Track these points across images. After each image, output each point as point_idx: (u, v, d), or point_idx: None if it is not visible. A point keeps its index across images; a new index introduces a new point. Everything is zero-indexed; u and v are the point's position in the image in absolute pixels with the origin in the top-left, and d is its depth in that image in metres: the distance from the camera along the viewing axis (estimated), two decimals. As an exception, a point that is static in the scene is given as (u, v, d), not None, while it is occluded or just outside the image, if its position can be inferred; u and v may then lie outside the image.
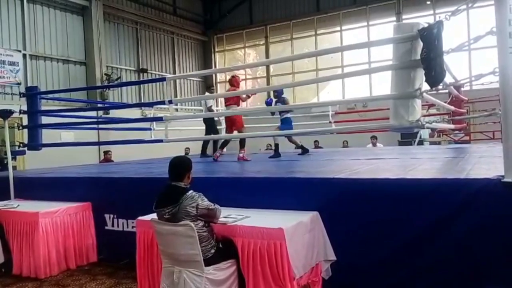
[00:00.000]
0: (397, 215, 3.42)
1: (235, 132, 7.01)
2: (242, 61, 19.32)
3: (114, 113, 12.07)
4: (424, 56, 3.60)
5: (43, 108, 7.45)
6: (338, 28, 17.00)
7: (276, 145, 7.50)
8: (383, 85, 11.87)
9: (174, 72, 17.38)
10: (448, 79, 5.53)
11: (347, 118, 12.07)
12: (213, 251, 3.19)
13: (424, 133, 12.18)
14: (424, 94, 3.91)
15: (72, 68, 13.59)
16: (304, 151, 7.78)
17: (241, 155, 7.08)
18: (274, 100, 7.29)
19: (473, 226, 3.16)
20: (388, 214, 3.46)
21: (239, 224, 3.35)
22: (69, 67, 13.50)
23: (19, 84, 11.71)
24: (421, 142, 12.36)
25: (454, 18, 3.67)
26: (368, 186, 3.67)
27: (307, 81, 9.20)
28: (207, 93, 9.81)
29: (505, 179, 3.06)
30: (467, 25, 13.94)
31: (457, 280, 3.20)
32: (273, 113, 7.75)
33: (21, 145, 7.23)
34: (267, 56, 18.35)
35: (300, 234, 3.33)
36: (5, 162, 7.06)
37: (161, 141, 5.93)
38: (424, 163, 5.09)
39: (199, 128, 13.36)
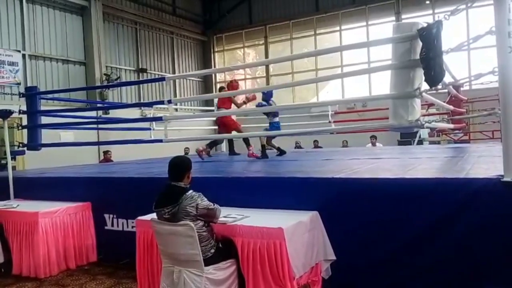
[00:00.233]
0: (397, 215, 3.43)
1: (233, 133, 7.07)
2: (242, 61, 19.32)
3: (114, 113, 12.07)
4: (423, 55, 3.60)
5: (42, 108, 7.44)
6: (338, 28, 17.00)
7: (263, 146, 7.51)
8: (382, 84, 11.89)
9: (174, 72, 17.37)
10: (447, 78, 5.54)
11: (346, 118, 12.06)
12: (213, 251, 3.19)
13: (424, 133, 12.19)
14: (424, 93, 3.91)
15: (72, 68, 13.58)
16: (281, 152, 7.82)
17: (250, 152, 7.17)
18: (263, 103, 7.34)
19: (472, 225, 3.16)
20: (387, 214, 3.46)
21: (239, 223, 3.35)
22: (69, 67, 13.49)
23: (18, 84, 11.71)
24: (420, 142, 12.37)
25: (453, 18, 3.67)
26: (367, 186, 3.67)
27: (306, 81, 9.21)
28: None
29: (505, 179, 3.06)
30: (466, 25, 13.95)
31: (457, 280, 3.21)
32: (267, 116, 7.76)
33: (21, 145, 7.22)
34: (267, 56, 18.35)
35: (299, 234, 3.34)
36: (5, 162, 7.05)
37: (160, 141, 5.92)
38: (424, 163, 5.09)
39: (199, 128, 13.43)
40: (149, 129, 9.39)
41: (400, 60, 3.93)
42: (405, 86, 3.87)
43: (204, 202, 3.18)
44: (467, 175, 3.59)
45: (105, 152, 11.73)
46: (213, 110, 16.21)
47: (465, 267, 3.19)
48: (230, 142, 9.21)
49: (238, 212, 3.65)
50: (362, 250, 3.54)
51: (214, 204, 3.26)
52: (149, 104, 13.09)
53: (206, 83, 19.37)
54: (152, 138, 8.72)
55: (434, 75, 3.61)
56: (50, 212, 4.70)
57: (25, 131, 7.30)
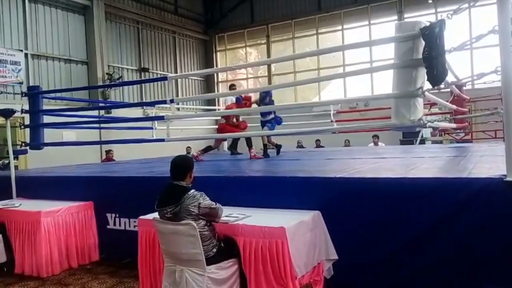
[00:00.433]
0: (399, 214, 3.42)
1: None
2: (244, 60, 19.32)
3: (116, 113, 12.07)
4: (426, 55, 3.60)
5: (45, 107, 7.46)
6: (340, 27, 16.98)
7: (265, 146, 7.51)
8: (385, 84, 11.87)
9: (176, 71, 17.38)
10: (450, 78, 5.53)
11: (348, 117, 12.05)
12: (215, 250, 3.19)
13: (426, 132, 12.16)
14: (426, 93, 3.90)
15: (74, 68, 13.61)
16: (266, 155, 7.85)
17: (252, 154, 7.17)
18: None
19: (474, 225, 3.16)
20: (390, 214, 3.45)
21: (241, 223, 3.35)
22: (71, 66, 13.52)
23: (21, 83, 11.73)
24: (422, 141, 12.34)
25: (456, 17, 3.67)
26: (370, 186, 3.67)
27: (308, 80, 9.22)
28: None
29: (507, 178, 3.06)
30: (469, 24, 13.92)
31: (458, 280, 3.20)
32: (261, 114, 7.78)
33: (23, 144, 7.24)
34: (269, 55, 18.34)
35: (301, 233, 3.33)
36: (7, 161, 7.06)
37: (162, 140, 5.93)
38: (426, 162, 5.08)
39: (201, 127, 13.43)
40: (151, 128, 9.39)
41: (403, 59, 3.92)
42: (408, 85, 3.86)
43: (206, 201, 3.18)
44: (469, 175, 3.58)
45: (107, 152, 11.75)
46: (215, 110, 16.33)
47: (467, 267, 3.18)
48: (235, 141, 9.20)
49: (240, 212, 3.65)
50: (364, 250, 3.54)
51: (216, 203, 3.26)
52: (151, 104, 13.11)
53: (208, 83, 19.37)
54: (154, 137, 8.72)
55: (436, 74, 3.60)
56: (53, 212, 4.70)
57: (27, 130, 7.32)
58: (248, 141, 7.39)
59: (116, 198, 5.00)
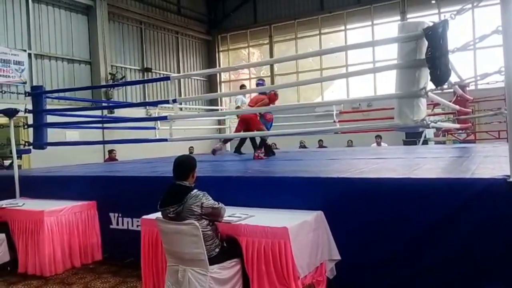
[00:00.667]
0: (402, 214, 3.42)
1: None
2: (246, 60, 19.32)
3: (119, 112, 12.10)
4: (429, 55, 3.59)
5: (48, 107, 7.48)
6: (343, 27, 16.96)
7: (268, 146, 7.50)
8: (387, 84, 11.86)
9: (178, 71, 17.39)
10: (453, 78, 5.51)
11: (351, 118, 12.06)
12: (217, 250, 3.19)
13: (429, 133, 12.14)
14: (429, 93, 3.89)
15: (77, 68, 13.64)
16: (270, 155, 7.83)
17: (256, 154, 7.12)
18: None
19: (477, 226, 3.15)
20: (392, 214, 3.45)
21: (244, 223, 3.35)
22: (74, 66, 13.55)
23: (24, 83, 11.77)
24: (425, 142, 12.32)
25: (459, 17, 3.66)
26: (372, 186, 3.66)
27: (311, 80, 9.21)
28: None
29: (511, 179, 3.05)
30: (472, 24, 13.88)
31: (461, 280, 3.20)
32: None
33: (27, 144, 7.26)
34: (271, 55, 18.34)
35: (304, 233, 3.33)
36: (11, 161, 7.09)
37: (165, 140, 5.94)
38: (429, 163, 5.07)
39: (203, 127, 13.45)
40: (154, 128, 9.43)
41: (406, 60, 3.92)
42: (411, 86, 3.85)
43: (209, 201, 3.19)
44: (472, 175, 3.57)
45: (110, 151, 11.77)
46: (217, 110, 16.34)
47: (470, 268, 3.18)
48: (242, 140, 9.15)
49: (243, 212, 3.66)
50: (367, 250, 3.53)
51: (219, 203, 3.27)
52: (154, 104, 13.16)
53: (211, 83, 19.38)
54: (157, 137, 8.74)
55: (439, 74, 3.59)
56: (56, 211, 4.72)
57: (30, 130, 7.33)
58: (255, 141, 7.33)
59: (119, 197, 5.01)
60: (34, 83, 11.81)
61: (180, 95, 17.04)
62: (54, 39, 12.99)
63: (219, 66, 19.18)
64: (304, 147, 14.02)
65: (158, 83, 16.22)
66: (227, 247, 3.30)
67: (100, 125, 10.14)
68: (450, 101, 6.74)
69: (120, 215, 4.96)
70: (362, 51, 15.86)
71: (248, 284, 3.26)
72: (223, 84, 19.63)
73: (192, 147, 14.09)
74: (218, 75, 19.40)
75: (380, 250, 3.48)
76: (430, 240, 3.32)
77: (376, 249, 3.50)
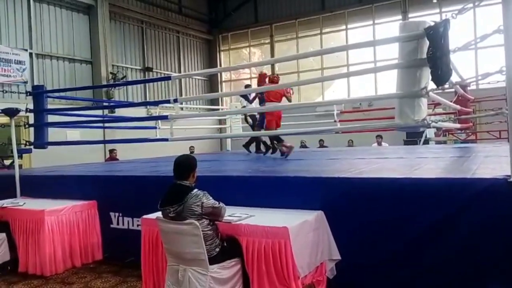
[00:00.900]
0: (402, 214, 3.41)
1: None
2: (247, 60, 19.31)
3: (120, 112, 12.09)
4: (430, 54, 3.58)
5: (49, 106, 7.47)
6: (344, 27, 16.95)
7: (273, 143, 7.47)
8: (388, 84, 11.85)
9: (179, 71, 17.39)
10: (454, 78, 5.50)
11: (352, 117, 12.04)
12: (217, 249, 3.19)
13: (430, 133, 12.13)
14: (430, 93, 3.88)
15: (78, 67, 13.65)
16: (274, 151, 7.79)
17: (282, 149, 6.97)
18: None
19: (477, 226, 3.15)
20: (393, 214, 3.45)
21: (244, 223, 3.35)
22: (75, 66, 13.56)
23: (25, 82, 11.78)
24: (426, 142, 12.31)
25: (460, 17, 3.65)
26: (373, 186, 3.66)
27: (312, 80, 9.20)
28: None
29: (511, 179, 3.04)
30: (473, 24, 13.86)
31: (462, 280, 3.19)
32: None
33: (27, 143, 7.27)
34: (272, 55, 18.33)
35: (304, 233, 3.33)
36: (11, 161, 7.10)
37: (166, 139, 5.93)
38: (430, 163, 5.07)
39: (204, 127, 13.45)
40: (155, 128, 9.42)
41: (407, 59, 3.91)
42: (412, 86, 3.85)
43: (209, 200, 3.19)
44: (473, 175, 3.57)
45: (111, 151, 11.78)
46: (218, 109, 16.34)
47: (471, 267, 3.17)
48: (253, 138, 9.11)
49: (243, 211, 3.66)
50: (368, 250, 3.53)
51: (219, 203, 3.26)
52: (155, 103, 13.14)
53: (212, 82, 19.37)
54: (158, 137, 8.74)
55: (441, 74, 3.59)
56: (56, 210, 4.72)
57: (31, 129, 7.34)
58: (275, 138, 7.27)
59: (120, 197, 5.01)
60: (35, 83, 11.83)
61: (181, 94, 17.04)
62: (56, 39, 12.99)
63: (220, 65, 19.18)
64: (305, 146, 14.00)
65: (159, 82, 16.22)
66: (227, 246, 3.29)
67: (101, 124, 10.15)
68: (451, 101, 6.72)
69: (120, 214, 4.96)
70: (363, 51, 15.84)
71: (248, 284, 3.26)
72: (224, 83, 19.62)
73: (193, 146, 14.08)
74: (219, 74, 19.40)
75: (381, 250, 3.48)
76: (430, 240, 3.32)
77: (377, 249, 3.50)
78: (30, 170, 8.30)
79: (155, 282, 3.72)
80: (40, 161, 9.96)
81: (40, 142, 7.01)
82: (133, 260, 4.42)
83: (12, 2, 11.81)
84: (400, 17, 15.49)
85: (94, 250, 5.01)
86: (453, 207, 3.23)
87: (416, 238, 3.36)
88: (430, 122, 4.02)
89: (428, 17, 14.12)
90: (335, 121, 10.15)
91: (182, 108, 13.99)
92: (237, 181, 4.44)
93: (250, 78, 19.25)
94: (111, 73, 14.06)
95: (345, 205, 3.67)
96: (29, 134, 8.33)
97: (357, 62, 16.11)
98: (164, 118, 7.09)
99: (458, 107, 6.91)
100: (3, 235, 4.76)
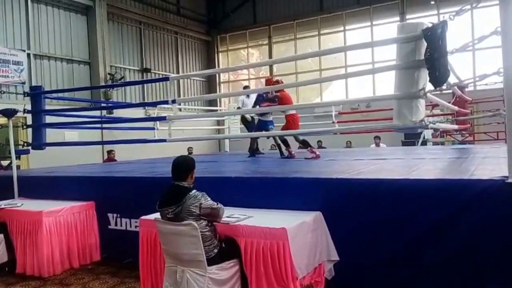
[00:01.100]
0: (401, 215, 3.42)
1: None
2: (246, 61, 19.32)
3: (118, 113, 12.07)
4: (428, 56, 3.59)
5: (47, 107, 7.46)
6: (342, 28, 16.97)
7: (279, 145, 7.48)
8: (386, 85, 11.87)
9: (178, 72, 17.39)
10: (452, 79, 5.51)
11: (350, 118, 12.05)
12: (216, 250, 3.19)
13: (428, 134, 12.15)
14: (428, 94, 3.89)
15: (76, 68, 13.63)
16: (255, 153, 7.75)
17: (313, 154, 6.91)
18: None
19: (476, 226, 3.16)
20: (391, 215, 3.45)
21: (242, 223, 3.35)
22: (73, 66, 13.54)
23: (23, 83, 11.76)
24: (424, 143, 12.33)
25: (458, 18, 3.66)
26: (371, 186, 3.66)
27: (310, 81, 9.15)
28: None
29: (509, 180, 3.06)
30: (471, 25, 13.89)
31: (461, 280, 3.20)
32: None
33: (25, 144, 7.25)
34: (271, 56, 18.34)
35: (303, 234, 3.33)
36: (9, 162, 7.08)
37: (164, 140, 5.92)
38: (428, 164, 5.08)
39: (202, 128, 13.44)
40: (153, 128, 9.41)
41: (405, 61, 3.91)
42: (410, 87, 3.85)
43: (207, 201, 3.19)
44: (471, 176, 3.58)
45: (109, 152, 11.76)
46: (216, 110, 16.34)
47: (469, 268, 3.18)
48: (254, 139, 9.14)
49: (242, 212, 3.66)
50: (366, 251, 3.53)
51: (217, 204, 3.26)
52: (153, 104, 13.14)
53: (210, 83, 19.37)
54: (156, 137, 8.73)
55: (438, 75, 3.59)
56: (54, 211, 4.71)
57: (29, 130, 7.32)
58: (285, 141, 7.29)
59: (118, 198, 5.01)
60: (33, 83, 11.80)
61: (179, 95, 17.03)
62: (53, 39, 12.97)
63: (218, 66, 19.18)
64: (303, 148, 13.99)
65: (157, 83, 16.22)
66: (226, 248, 3.29)
67: (99, 125, 10.13)
68: (449, 102, 6.74)
69: (118, 215, 4.95)
70: (361, 52, 15.85)
71: (246, 285, 3.26)
72: (222, 84, 19.62)
73: (191, 147, 14.08)
74: (217, 75, 19.40)
75: (379, 251, 3.48)
76: (429, 240, 3.33)
77: (375, 250, 3.50)
78: (28, 171, 8.28)
79: (153, 283, 3.71)
80: (38, 162, 9.94)
81: (38, 143, 6.99)
82: (131, 261, 4.41)
83: (10, 2, 11.78)
84: (398, 18, 15.52)
85: (92, 251, 5.00)
86: (451, 208, 3.23)
87: (415, 239, 3.37)
88: (428, 123, 4.03)
89: (426, 18, 14.12)
90: (333, 122, 10.16)
91: (180, 109, 13.99)
92: (235, 182, 4.43)
93: (248, 79, 19.27)
94: (109, 74, 14.05)
95: (344, 206, 3.67)
96: (27, 135, 8.31)
97: (355, 63, 16.13)
98: (162, 119, 7.08)
99: (456, 108, 6.93)
100: (1, 236, 4.74)
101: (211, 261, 3.11)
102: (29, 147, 7.25)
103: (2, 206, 5.02)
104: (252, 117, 8.49)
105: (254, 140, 8.45)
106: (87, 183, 5.50)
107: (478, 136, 11.21)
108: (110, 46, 14.40)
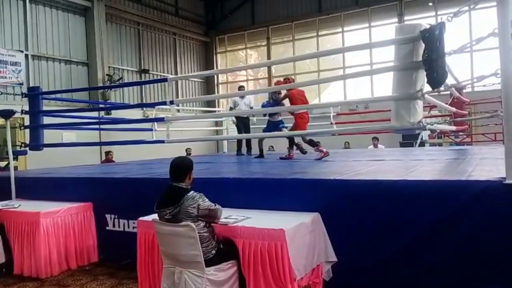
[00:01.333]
0: (399, 217, 3.42)
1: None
2: (244, 62, 19.32)
3: (116, 114, 12.08)
4: (426, 57, 3.60)
5: (45, 108, 7.46)
6: (340, 29, 16.98)
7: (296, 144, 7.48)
8: (384, 86, 11.87)
9: (176, 73, 17.38)
10: (449, 80, 5.52)
11: (348, 120, 12.04)
12: (214, 251, 3.18)
13: (426, 135, 12.18)
14: (426, 95, 3.90)
15: (74, 69, 13.61)
16: (262, 154, 7.78)
17: (321, 153, 6.83)
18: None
19: (474, 227, 3.16)
20: (389, 216, 3.45)
21: (240, 225, 3.35)
22: (71, 67, 13.51)
23: (21, 84, 11.73)
24: (422, 144, 12.36)
25: (456, 20, 3.67)
26: (369, 188, 3.67)
27: (308, 82, 9.20)
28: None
29: (507, 181, 3.06)
30: (469, 27, 13.92)
31: (458, 281, 3.20)
32: (264, 115, 7.76)
33: (23, 145, 7.24)
34: (269, 57, 18.34)
35: (301, 235, 3.33)
36: (7, 163, 7.06)
37: (162, 141, 5.92)
38: (426, 165, 5.08)
39: (201, 128, 13.45)
40: (151, 129, 9.40)
41: (403, 62, 3.92)
42: (408, 88, 3.86)
43: (205, 202, 3.18)
44: (469, 177, 3.58)
45: (107, 153, 11.74)
46: (215, 111, 16.35)
47: (467, 269, 3.18)
48: (248, 141, 9.16)
49: (240, 213, 3.65)
50: (364, 252, 3.53)
51: (215, 205, 3.26)
52: (151, 105, 13.11)
53: (208, 84, 19.37)
54: (154, 139, 8.72)
55: (436, 76, 3.60)
56: (52, 212, 4.70)
57: (27, 131, 7.32)
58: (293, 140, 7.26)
59: (116, 199, 5.00)
60: (31, 84, 11.77)
61: (177, 96, 17.03)
62: (51, 40, 12.95)
63: (217, 67, 19.18)
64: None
65: (156, 84, 16.20)
66: (224, 249, 3.29)
67: (97, 126, 10.11)
68: (446, 103, 6.75)
69: (116, 216, 4.95)
70: (359, 53, 15.88)
71: (244, 286, 3.26)
72: (220, 85, 19.61)
73: (189, 148, 14.06)
74: (215, 76, 19.39)
75: (377, 252, 3.48)
76: (427, 242, 3.33)
77: (373, 251, 3.50)
78: (25, 172, 8.27)
79: (151, 284, 3.71)
80: (35, 163, 9.91)
81: (36, 143, 6.98)
82: (129, 262, 4.41)
83: (8, 3, 11.77)
84: (396, 19, 15.55)
85: (90, 252, 4.99)
86: (450, 209, 3.24)
87: (412, 240, 3.37)
88: (426, 124, 4.04)
89: (424, 20, 14.13)
90: (331, 123, 10.15)
91: (178, 110, 13.99)
92: (233, 183, 4.43)
93: (247, 80, 19.27)
94: (107, 74, 14.02)
95: (342, 207, 3.67)
96: (25, 136, 8.29)
97: (354, 65, 16.15)
98: (160, 120, 7.07)
99: (453, 109, 6.95)
100: (-2, 237, 4.74)
101: (209, 262, 3.11)
102: (27, 148, 7.24)
103: (0, 207, 5.01)
104: (239, 119, 8.54)
105: (261, 141, 8.41)
106: (85, 184, 5.49)
107: (476, 137, 11.24)
108: (108, 47, 14.38)
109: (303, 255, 3.29)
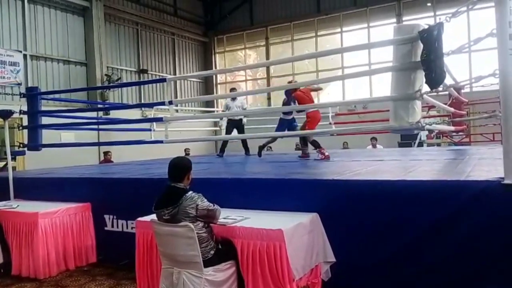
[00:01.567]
0: (397, 217, 3.42)
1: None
2: (243, 62, 19.32)
3: (114, 114, 12.07)
4: (424, 57, 3.60)
5: (43, 108, 7.44)
6: (339, 30, 16.99)
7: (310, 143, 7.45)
8: (383, 86, 11.88)
9: (175, 73, 17.37)
10: (448, 80, 5.53)
11: (347, 120, 12.05)
12: (212, 252, 3.18)
13: (424, 135, 12.18)
14: (424, 95, 3.90)
15: (73, 69, 13.59)
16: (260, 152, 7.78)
17: (324, 154, 6.71)
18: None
19: (473, 228, 3.16)
20: (388, 216, 3.45)
21: (239, 225, 3.35)
22: (70, 67, 13.50)
23: (19, 84, 11.71)
24: (421, 144, 12.36)
25: (454, 20, 3.67)
26: (368, 188, 3.67)
27: (307, 82, 9.19)
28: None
29: (505, 181, 3.06)
30: (467, 27, 13.94)
31: (458, 281, 3.20)
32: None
33: (21, 145, 7.22)
34: (268, 57, 18.33)
35: (299, 236, 3.33)
36: (5, 162, 7.05)
37: (161, 141, 5.92)
38: (424, 165, 5.09)
39: (199, 129, 13.43)
40: (150, 130, 9.39)
41: (401, 62, 3.93)
42: (406, 88, 3.87)
43: (204, 203, 3.18)
44: (467, 178, 3.59)
45: (106, 153, 11.72)
46: (213, 111, 16.36)
47: (466, 269, 3.19)
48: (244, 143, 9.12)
49: (238, 214, 3.65)
50: (362, 252, 3.53)
51: (214, 205, 3.26)
52: (150, 105, 13.10)
53: (207, 84, 19.36)
54: (153, 139, 8.71)
55: (435, 77, 3.61)
56: (50, 213, 4.69)
57: (25, 131, 7.31)
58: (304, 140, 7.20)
59: (114, 199, 4.99)
60: (30, 84, 11.75)
61: (176, 96, 17.01)
62: (50, 40, 12.93)
63: (216, 68, 19.18)
64: (300, 149, 13.99)
65: (154, 84, 16.19)
66: (222, 249, 3.29)
67: (95, 126, 10.10)
68: (445, 104, 6.76)
69: (115, 217, 4.94)
70: (358, 53, 15.88)
71: (243, 287, 3.26)
72: (219, 86, 19.60)
73: (188, 148, 14.05)
74: (214, 77, 19.39)
75: (376, 253, 3.48)
76: (426, 241, 3.33)
77: (372, 252, 3.50)
78: (23, 172, 8.25)
79: (149, 285, 3.70)
80: (34, 163, 9.89)
81: (34, 144, 6.97)
82: (127, 263, 4.40)
83: (7, 3, 11.75)
84: (394, 20, 15.56)
85: (88, 252, 4.98)
86: (448, 209, 3.24)
87: (411, 240, 3.37)
88: (425, 124, 4.04)
89: (422, 20, 14.14)
90: (330, 123, 10.16)
91: (177, 110, 13.98)
92: (232, 183, 4.43)
93: (246, 81, 19.27)
94: (106, 74, 14.01)
95: (341, 207, 3.67)
96: (23, 136, 8.28)
97: (352, 65, 16.16)
98: (159, 120, 7.06)
99: (452, 109, 6.96)
100: (-4, 237, 4.73)
101: (208, 263, 3.10)
102: (25, 148, 7.22)
103: (-2, 208, 5.00)
104: (230, 122, 8.55)
105: (268, 141, 8.38)
106: (83, 184, 5.48)
107: (474, 138, 11.25)
108: (106, 47, 14.37)
109: (301, 255, 3.29)
